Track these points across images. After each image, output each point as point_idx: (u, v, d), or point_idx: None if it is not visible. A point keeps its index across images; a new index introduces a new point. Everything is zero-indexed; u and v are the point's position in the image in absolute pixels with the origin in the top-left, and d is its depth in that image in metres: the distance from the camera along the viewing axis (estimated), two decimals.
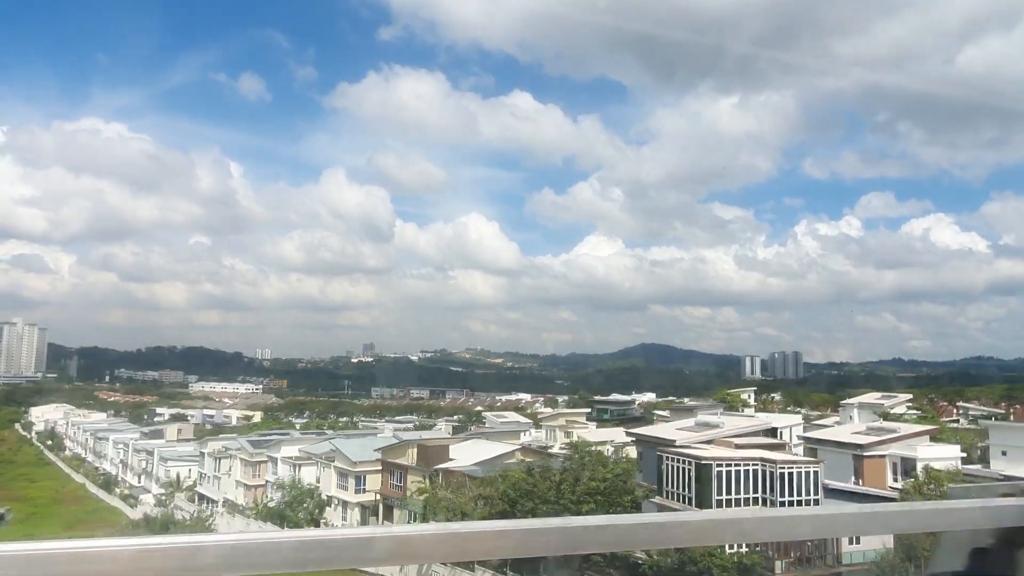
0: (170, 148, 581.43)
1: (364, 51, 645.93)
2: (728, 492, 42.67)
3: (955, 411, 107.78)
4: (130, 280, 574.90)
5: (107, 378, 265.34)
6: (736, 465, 43.33)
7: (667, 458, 45.45)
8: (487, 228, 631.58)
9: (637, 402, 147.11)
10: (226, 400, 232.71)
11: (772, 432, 63.49)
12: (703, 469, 42.90)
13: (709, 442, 50.67)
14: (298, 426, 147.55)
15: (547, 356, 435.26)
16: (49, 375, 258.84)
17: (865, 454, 54.88)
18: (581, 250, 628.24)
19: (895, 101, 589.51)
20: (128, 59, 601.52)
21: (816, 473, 43.94)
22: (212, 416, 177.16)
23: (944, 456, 53.27)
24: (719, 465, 42.90)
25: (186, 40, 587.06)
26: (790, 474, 43.33)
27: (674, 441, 49.47)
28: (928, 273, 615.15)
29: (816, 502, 43.87)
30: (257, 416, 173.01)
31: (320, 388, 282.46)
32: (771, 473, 43.12)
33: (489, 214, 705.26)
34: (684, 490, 43.76)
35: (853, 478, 55.56)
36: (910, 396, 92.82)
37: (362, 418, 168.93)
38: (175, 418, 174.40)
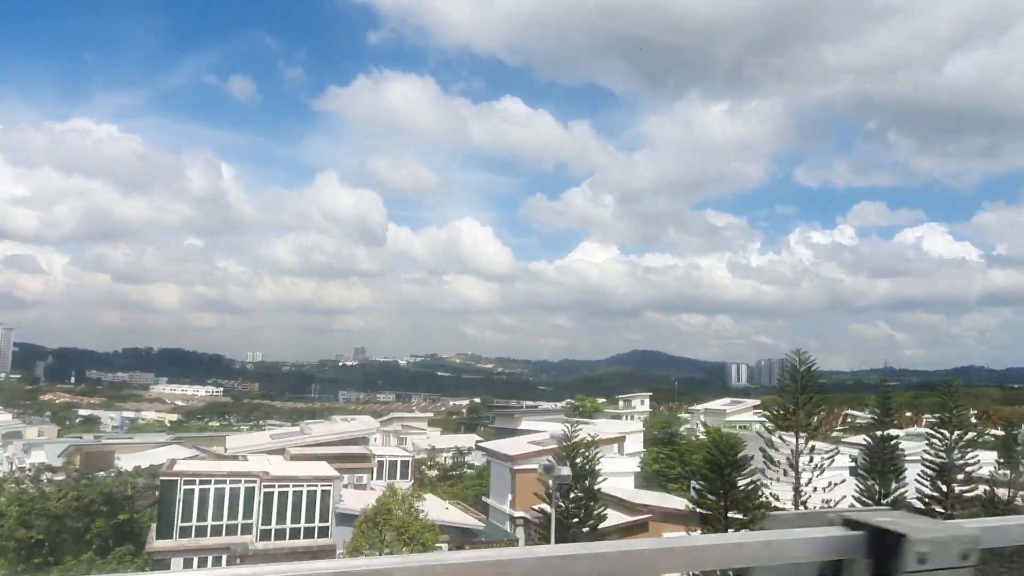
0: (161, 149, 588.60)
1: (353, 54, 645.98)
2: (195, 517, 33.14)
3: (844, 419, 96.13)
4: (123, 281, 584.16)
5: (72, 379, 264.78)
6: (220, 482, 33.72)
7: (164, 476, 36.04)
8: (480, 233, 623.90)
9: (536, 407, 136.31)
10: (179, 402, 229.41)
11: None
12: (166, 488, 33.53)
13: (281, 451, 41.22)
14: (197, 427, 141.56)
15: (538, 361, 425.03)
16: (13, 375, 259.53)
17: (517, 467, 44.69)
18: (575, 256, 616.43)
19: (885, 109, 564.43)
20: (120, 61, 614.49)
21: (326, 492, 34.09)
22: (132, 418, 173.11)
23: (614, 471, 42.79)
24: (189, 482, 33.41)
25: (177, 42, 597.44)
26: (283, 494, 33.61)
27: (225, 452, 40.11)
28: (921, 282, 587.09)
29: (324, 530, 34.17)
30: (168, 420, 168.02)
31: (288, 391, 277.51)
32: (261, 492, 33.47)
33: (483, 219, 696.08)
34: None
35: (510, 495, 45.63)
36: (757, 402, 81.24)
37: (271, 421, 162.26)
38: (88, 420, 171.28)
